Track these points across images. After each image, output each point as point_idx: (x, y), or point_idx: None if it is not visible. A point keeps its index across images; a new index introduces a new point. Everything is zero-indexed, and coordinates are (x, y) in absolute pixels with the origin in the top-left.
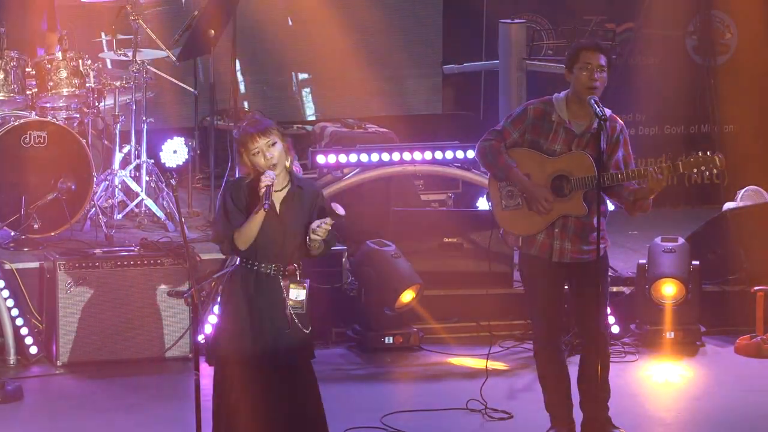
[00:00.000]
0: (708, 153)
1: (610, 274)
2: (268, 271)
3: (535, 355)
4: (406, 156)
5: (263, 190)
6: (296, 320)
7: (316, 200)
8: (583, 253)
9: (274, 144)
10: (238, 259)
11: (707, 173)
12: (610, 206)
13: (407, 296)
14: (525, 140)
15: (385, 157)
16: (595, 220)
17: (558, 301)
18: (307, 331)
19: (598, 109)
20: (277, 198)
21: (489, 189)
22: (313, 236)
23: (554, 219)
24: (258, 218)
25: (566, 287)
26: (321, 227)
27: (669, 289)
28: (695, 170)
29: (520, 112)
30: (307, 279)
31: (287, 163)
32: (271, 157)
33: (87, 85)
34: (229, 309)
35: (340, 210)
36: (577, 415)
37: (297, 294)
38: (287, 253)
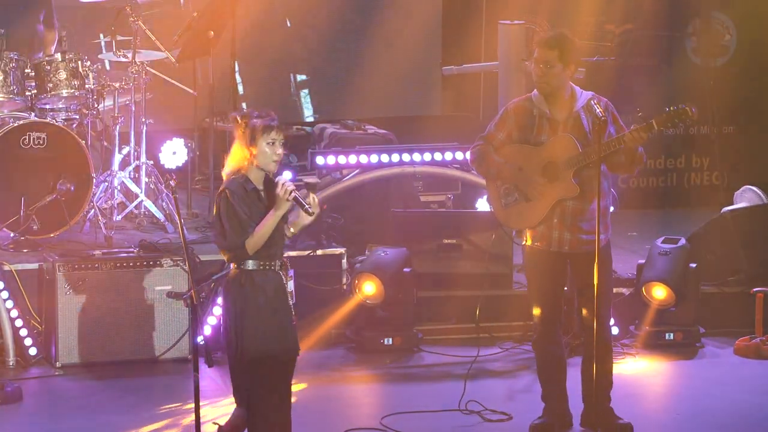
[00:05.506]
0: (681, 106)
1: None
2: (275, 268)
3: (533, 344)
4: (406, 157)
5: (291, 195)
6: (293, 311)
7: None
8: (581, 243)
9: (283, 143)
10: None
11: (682, 126)
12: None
13: (368, 287)
14: (513, 139)
15: (385, 158)
16: (592, 208)
17: (556, 291)
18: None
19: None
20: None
21: (488, 192)
22: (309, 215)
23: (551, 204)
24: (273, 222)
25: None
26: (315, 199)
27: (659, 293)
28: (669, 124)
29: (501, 113)
30: (292, 269)
31: None
32: (281, 153)
33: (86, 86)
34: (252, 312)
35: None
36: (579, 407)
37: (289, 285)
38: (282, 247)
